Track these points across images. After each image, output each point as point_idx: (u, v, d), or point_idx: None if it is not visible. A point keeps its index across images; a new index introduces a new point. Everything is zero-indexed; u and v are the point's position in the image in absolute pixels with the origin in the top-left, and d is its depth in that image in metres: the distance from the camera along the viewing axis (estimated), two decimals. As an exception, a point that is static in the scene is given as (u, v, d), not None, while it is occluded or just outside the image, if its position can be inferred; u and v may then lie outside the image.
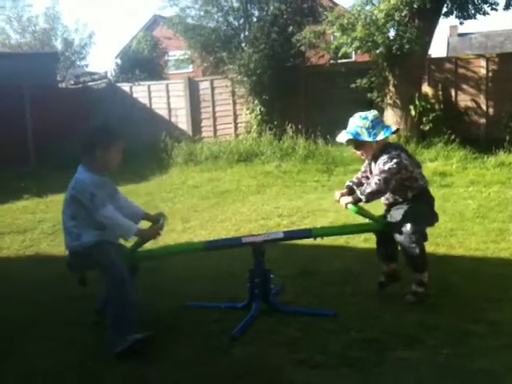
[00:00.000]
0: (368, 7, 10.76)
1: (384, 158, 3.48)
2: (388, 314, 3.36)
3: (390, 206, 3.65)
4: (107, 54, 52.13)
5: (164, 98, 14.38)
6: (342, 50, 10.85)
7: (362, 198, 3.50)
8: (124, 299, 3.05)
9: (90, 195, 3.09)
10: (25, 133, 12.53)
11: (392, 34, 10.62)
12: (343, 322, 3.29)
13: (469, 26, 58.56)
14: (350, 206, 3.57)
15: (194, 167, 11.12)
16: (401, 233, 3.48)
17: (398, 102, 11.10)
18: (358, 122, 3.58)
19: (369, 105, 11.88)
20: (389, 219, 3.62)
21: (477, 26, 18.75)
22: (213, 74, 14.26)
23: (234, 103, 13.70)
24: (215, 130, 13.98)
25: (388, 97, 11.26)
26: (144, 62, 18.30)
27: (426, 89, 11.76)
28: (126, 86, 14.93)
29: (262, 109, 12.69)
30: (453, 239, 5.02)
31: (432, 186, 7.88)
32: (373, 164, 3.63)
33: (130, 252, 3.40)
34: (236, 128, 13.74)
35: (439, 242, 4.88)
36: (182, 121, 14.17)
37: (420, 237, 3.52)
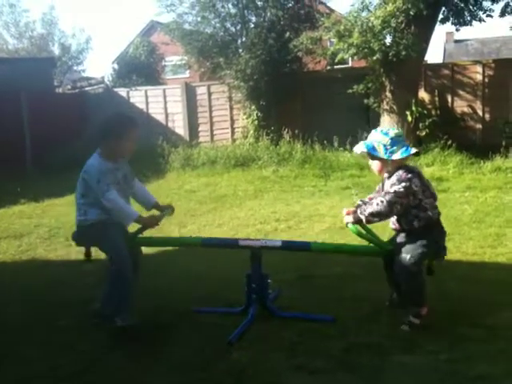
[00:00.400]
0: (364, 14, 10.81)
1: (394, 179, 3.28)
2: (386, 319, 3.36)
3: (397, 232, 3.43)
4: (104, 59, 52.22)
5: (161, 103, 14.39)
6: (339, 56, 10.90)
7: (362, 217, 3.30)
8: (124, 282, 3.22)
9: (97, 179, 3.30)
10: (22, 137, 12.52)
11: (388, 40, 10.67)
12: (341, 327, 3.28)
13: (465, 32, 59.01)
14: (350, 225, 3.37)
15: (190, 172, 11.12)
16: (399, 263, 3.27)
17: (394, 107, 11.14)
18: (378, 137, 3.37)
19: (365, 110, 11.97)
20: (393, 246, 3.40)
21: (473, 32, 18.94)
22: (210, 79, 14.28)
23: (231, 108, 13.73)
24: (212, 135, 13.99)
25: (384, 102, 11.30)
26: (141, 67, 18.32)
27: (423, 95, 11.82)
28: (123, 91, 14.94)
29: (259, 114, 12.72)
30: (450, 244, 4.98)
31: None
32: (386, 183, 3.39)
33: (132, 237, 3.51)
34: (233, 133, 13.76)
35: (436, 246, 4.88)
36: (179, 126, 14.19)
37: (419, 270, 3.27)
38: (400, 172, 3.29)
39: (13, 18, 23.65)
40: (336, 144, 11.21)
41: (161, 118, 14.39)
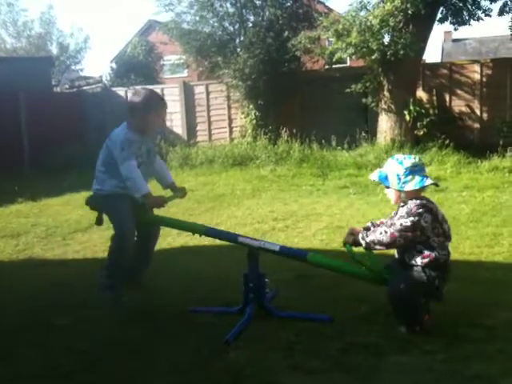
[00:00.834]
0: (363, 13, 10.82)
1: (403, 211, 3.18)
2: (383, 319, 3.36)
3: (398, 263, 3.30)
4: (102, 58, 52.18)
5: (159, 103, 14.36)
6: (337, 56, 10.90)
7: (362, 242, 3.23)
8: (122, 253, 3.49)
9: (121, 147, 3.44)
10: (19, 136, 12.51)
11: (387, 39, 10.68)
12: (339, 327, 3.28)
13: (463, 31, 59.06)
14: (347, 246, 3.30)
15: (189, 171, 11.12)
16: (391, 290, 3.15)
17: (392, 107, 11.15)
18: (392, 166, 3.25)
19: (363, 110, 11.97)
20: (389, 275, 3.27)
21: (471, 31, 18.97)
22: (208, 78, 14.28)
23: (229, 107, 13.72)
24: (210, 134, 13.99)
25: (382, 102, 11.31)
26: (139, 66, 18.33)
27: (421, 94, 11.82)
28: (121, 91, 14.91)
29: (257, 113, 12.72)
30: (447, 244, 5.02)
31: (426, 190, 7.91)
32: (398, 211, 3.28)
33: (144, 212, 3.62)
34: (231, 132, 13.76)
35: (434, 246, 4.88)
36: (177, 125, 14.17)
37: (412, 298, 3.11)
38: (411, 205, 3.17)
39: (11, 17, 23.69)
40: (334, 143, 11.22)
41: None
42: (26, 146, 12.62)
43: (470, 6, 11.21)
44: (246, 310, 3.43)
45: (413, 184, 3.19)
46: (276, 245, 3.61)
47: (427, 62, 14.15)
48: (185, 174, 10.82)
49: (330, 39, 11.36)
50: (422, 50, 11.08)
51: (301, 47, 11.70)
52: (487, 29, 45.41)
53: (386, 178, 3.26)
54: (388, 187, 3.29)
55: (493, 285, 3.94)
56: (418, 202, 3.19)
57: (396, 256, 3.33)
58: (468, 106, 11.92)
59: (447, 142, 10.40)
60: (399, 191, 3.24)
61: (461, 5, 11.17)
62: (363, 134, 11.38)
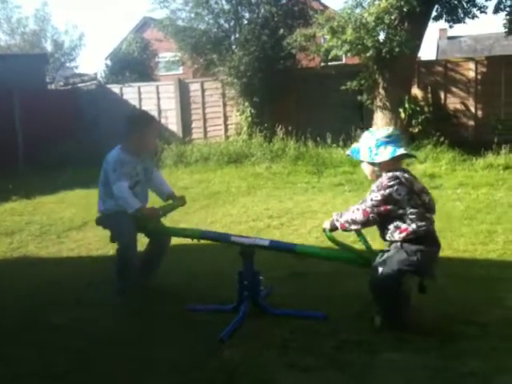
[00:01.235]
0: (358, 10, 10.81)
1: (374, 186, 3.05)
2: (377, 316, 3.35)
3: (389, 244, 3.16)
4: (97, 55, 51.99)
5: (154, 100, 14.33)
6: (332, 53, 10.90)
7: (337, 224, 3.13)
8: (126, 262, 3.69)
9: (113, 168, 3.63)
10: (14, 134, 12.44)
11: (382, 37, 10.68)
12: (333, 324, 3.28)
13: (458, 29, 59.13)
14: (326, 231, 3.21)
15: (184, 169, 11.09)
16: (371, 276, 3.08)
17: (387, 104, 11.15)
18: (365, 138, 3.13)
19: (359, 107, 11.97)
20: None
21: (466, 29, 18.99)
22: (203, 75, 14.23)
23: (225, 105, 13.70)
24: (205, 132, 13.96)
25: (378, 99, 11.31)
26: (134, 63, 18.28)
27: (416, 91, 11.83)
28: (116, 88, 14.87)
29: (253, 111, 12.70)
30: (441, 241, 4.99)
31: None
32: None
33: (144, 225, 3.79)
34: (226, 130, 13.74)
35: (428, 243, 4.89)
36: (172, 122, 14.14)
37: (393, 287, 3.00)
38: (383, 178, 3.02)
39: (5, 13, 23.53)
40: (329, 141, 11.22)
41: (154, 114, 14.30)
42: (20, 144, 12.55)
43: (465, 4, 11.23)
44: (241, 307, 3.43)
45: (384, 155, 3.02)
46: (266, 240, 3.63)
47: (422, 59, 14.16)
48: (179, 172, 10.79)
49: (326, 37, 11.35)
50: (417, 47, 11.08)
51: (296, 45, 11.69)
52: (482, 26, 45.55)
53: (358, 151, 3.14)
54: (362, 161, 3.17)
55: (487, 282, 3.95)
56: (391, 174, 3.01)
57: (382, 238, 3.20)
58: (463, 103, 11.95)
59: (442, 139, 10.41)
60: (372, 164, 3.10)
61: (456, 2, 11.19)
62: (358, 131, 11.37)
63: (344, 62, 18.57)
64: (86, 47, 44.29)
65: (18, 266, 5.09)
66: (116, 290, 3.89)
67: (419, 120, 11.17)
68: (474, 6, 11.24)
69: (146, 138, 3.76)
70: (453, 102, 12.00)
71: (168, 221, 6.44)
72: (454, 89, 12.00)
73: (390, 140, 3.05)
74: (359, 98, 11.58)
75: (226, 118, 13.74)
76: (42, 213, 7.50)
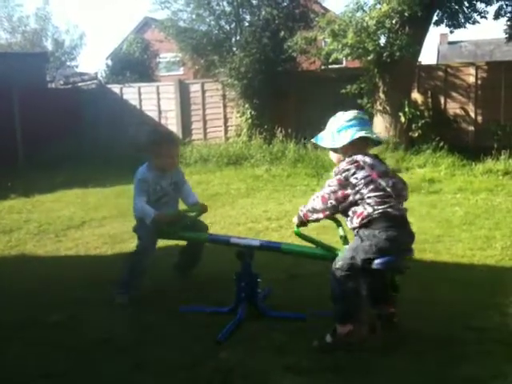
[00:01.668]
0: (359, 14, 10.83)
1: (333, 171, 2.95)
2: (375, 320, 3.35)
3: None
4: (98, 55, 52.03)
5: (154, 100, 14.34)
6: (333, 56, 10.92)
7: (301, 215, 3.02)
8: (136, 265, 3.87)
9: (135, 185, 3.92)
10: (13, 132, 12.44)
11: (383, 41, 10.71)
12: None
13: (459, 34, 59.26)
14: (295, 227, 3.12)
15: (183, 169, 11.06)
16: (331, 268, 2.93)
17: (387, 108, 11.17)
18: (329, 124, 3.00)
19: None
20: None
21: (467, 34, 19.02)
22: (204, 77, 14.25)
23: (225, 106, 13.72)
24: (205, 133, 13.97)
25: (378, 103, 11.33)
26: (135, 63, 18.28)
27: (416, 96, 11.85)
28: (116, 88, 14.88)
29: (253, 112, 12.71)
30: (440, 246, 5.04)
31: (420, 192, 7.94)
32: None
33: (173, 228, 3.88)
34: (226, 131, 13.75)
35: (426, 248, 4.90)
36: (172, 123, 14.15)
37: (346, 279, 2.84)
38: (342, 163, 2.89)
39: (6, 12, 23.54)
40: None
41: (154, 115, 14.34)
42: (20, 142, 12.54)
43: (465, 9, 11.26)
44: (238, 309, 3.42)
45: (344, 139, 2.88)
46: (257, 240, 3.70)
47: (423, 63, 14.17)
48: (179, 173, 10.77)
49: (326, 40, 11.37)
50: (418, 51, 11.11)
51: (297, 48, 11.70)
52: (483, 32, 45.60)
53: (321, 138, 3.02)
54: (331, 149, 3.03)
55: (485, 287, 3.95)
56: (350, 158, 2.89)
57: None
58: (463, 108, 11.97)
59: (442, 144, 10.43)
60: (335, 151, 2.98)
61: (457, 8, 11.22)
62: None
63: (344, 65, 18.60)
64: (86, 47, 44.25)
65: (15, 265, 5.08)
66: (116, 291, 3.88)
67: (419, 124, 11.20)
68: (475, 11, 11.28)
69: (167, 158, 3.94)
70: (453, 107, 12.02)
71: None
72: (454, 94, 12.02)
73: (351, 124, 2.92)
74: (359, 101, 11.59)
75: (226, 119, 13.76)
76: (41, 211, 7.49)
